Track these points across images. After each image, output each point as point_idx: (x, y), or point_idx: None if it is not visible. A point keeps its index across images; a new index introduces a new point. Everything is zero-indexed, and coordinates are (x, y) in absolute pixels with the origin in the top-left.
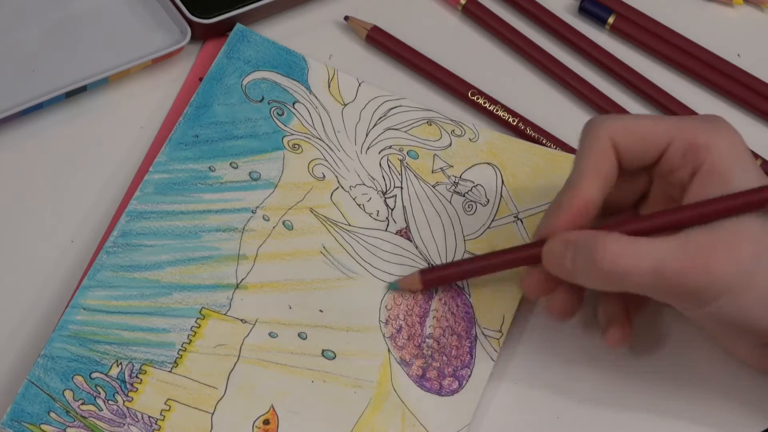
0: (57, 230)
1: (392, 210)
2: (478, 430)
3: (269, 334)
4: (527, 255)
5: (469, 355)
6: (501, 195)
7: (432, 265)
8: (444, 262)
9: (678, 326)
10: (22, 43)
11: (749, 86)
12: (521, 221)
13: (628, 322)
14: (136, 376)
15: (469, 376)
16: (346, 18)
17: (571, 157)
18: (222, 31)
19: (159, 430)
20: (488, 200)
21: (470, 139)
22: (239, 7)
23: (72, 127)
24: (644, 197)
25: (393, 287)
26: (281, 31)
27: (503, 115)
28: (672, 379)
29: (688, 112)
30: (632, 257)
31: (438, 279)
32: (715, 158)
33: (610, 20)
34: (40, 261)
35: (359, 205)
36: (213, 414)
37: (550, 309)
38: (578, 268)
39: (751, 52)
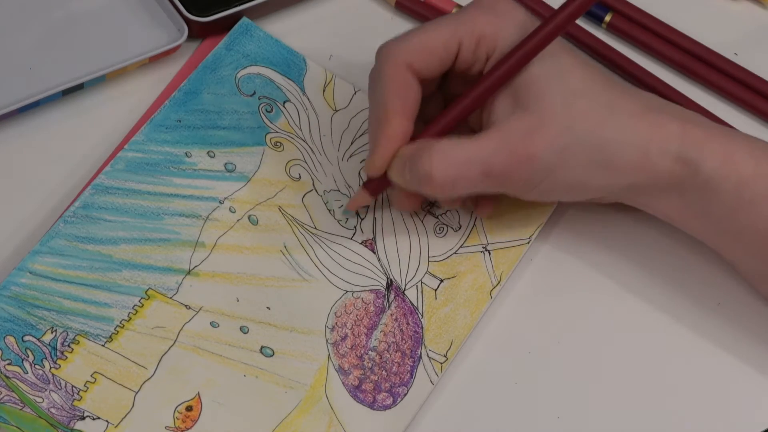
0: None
1: (362, 220)
2: None
3: (211, 323)
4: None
5: (409, 374)
6: (474, 224)
7: (391, 279)
8: (404, 278)
9: (675, 323)
10: (19, 41)
11: (749, 85)
12: (489, 252)
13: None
14: (68, 345)
15: (405, 394)
16: None
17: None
18: (219, 29)
19: (80, 400)
20: (461, 226)
21: None
22: (236, 5)
23: (69, 124)
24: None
25: (347, 213)
26: (280, 28)
27: None
28: (672, 379)
29: (695, 107)
30: (459, 166)
31: (381, 184)
32: (503, 42)
33: (607, 18)
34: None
35: (330, 210)
36: (137, 393)
37: (394, 204)
38: (415, 182)
39: (751, 48)
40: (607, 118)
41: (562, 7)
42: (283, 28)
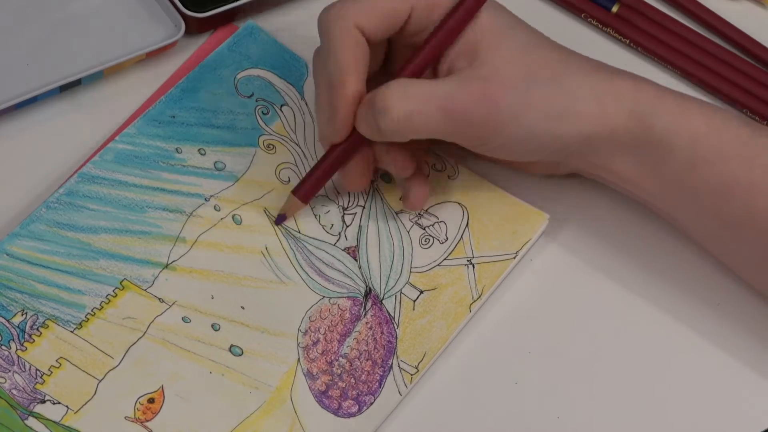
0: None
1: (347, 227)
2: None
3: (182, 318)
4: (350, 146)
5: (377, 384)
6: (461, 237)
7: (370, 287)
8: (383, 287)
9: (675, 323)
10: (16, 37)
11: (753, 77)
12: (473, 266)
13: (425, 181)
14: (37, 329)
15: (372, 403)
16: None
17: (542, 214)
18: (216, 24)
19: (43, 383)
20: (447, 239)
21: (449, 176)
22: (233, 1)
23: (67, 120)
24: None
25: (279, 221)
26: (279, 25)
27: None
28: (672, 379)
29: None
30: (416, 98)
31: (310, 187)
32: (446, 12)
33: (614, 9)
34: None
35: (315, 215)
36: (101, 381)
37: (346, 183)
38: (378, 123)
39: None
40: (564, 70)
41: None
42: (280, 24)
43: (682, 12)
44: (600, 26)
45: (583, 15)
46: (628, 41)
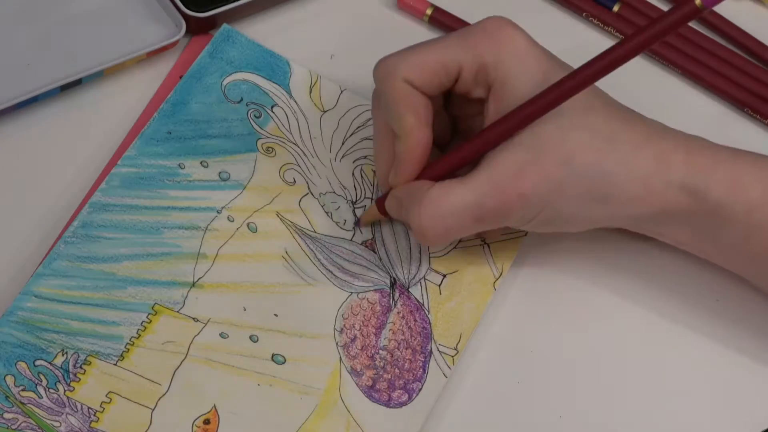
0: (43, 222)
1: (376, 224)
2: None
3: (220, 335)
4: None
5: (421, 370)
6: None
7: (394, 277)
8: (407, 276)
9: (675, 321)
10: (17, 37)
11: (755, 76)
12: (488, 245)
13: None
14: (80, 367)
15: (420, 389)
16: None
17: None
18: (216, 25)
19: (97, 421)
20: None
21: None
22: (234, 1)
23: (67, 120)
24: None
25: (362, 229)
26: (278, 24)
27: None
28: (672, 377)
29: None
30: (450, 218)
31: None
32: (502, 73)
33: (616, 8)
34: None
35: (327, 212)
36: (154, 410)
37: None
38: (410, 223)
39: None
40: (608, 150)
41: (588, 64)
42: (280, 24)
43: None
44: (601, 25)
45: (584, 14)
46: None
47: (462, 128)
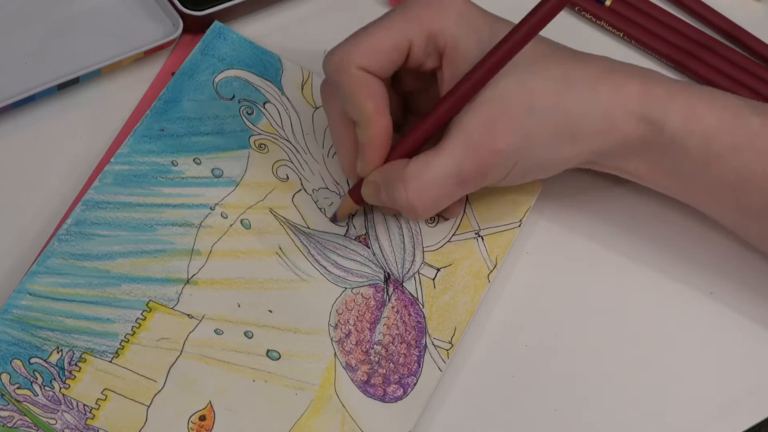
0: (37, 220)
1: (353, 216)
2: None
3: (215, 331)
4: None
5: (416, 364)
6: (464, 211)
7: (388, 272)
8: (401, 270)
9: (672, 321)
10: (14, 36)
11: (747, 69)
12: (482, 238)
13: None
14: (76, 364)
15: (415, 384)
16: None
17: (536, 181)
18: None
19: (93, 418)
20: None
21: None
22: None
23: (65, 119)
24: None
25: (339, 222)
26: (274, 23)
27: None
28: (667, 370)
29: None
30: (435, 187)
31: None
32: (451, 37)
33: (608, 2)
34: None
35: (320, 208)
36: (149, 406)
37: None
38: (393, 204)
39: None
40: (565, 90)
41: (533, 11)
42: (276, 22)
43: (675, 5)
44: (594, 19)
45: (576, 8)
46: (621, 34)
47: (414, 105)
